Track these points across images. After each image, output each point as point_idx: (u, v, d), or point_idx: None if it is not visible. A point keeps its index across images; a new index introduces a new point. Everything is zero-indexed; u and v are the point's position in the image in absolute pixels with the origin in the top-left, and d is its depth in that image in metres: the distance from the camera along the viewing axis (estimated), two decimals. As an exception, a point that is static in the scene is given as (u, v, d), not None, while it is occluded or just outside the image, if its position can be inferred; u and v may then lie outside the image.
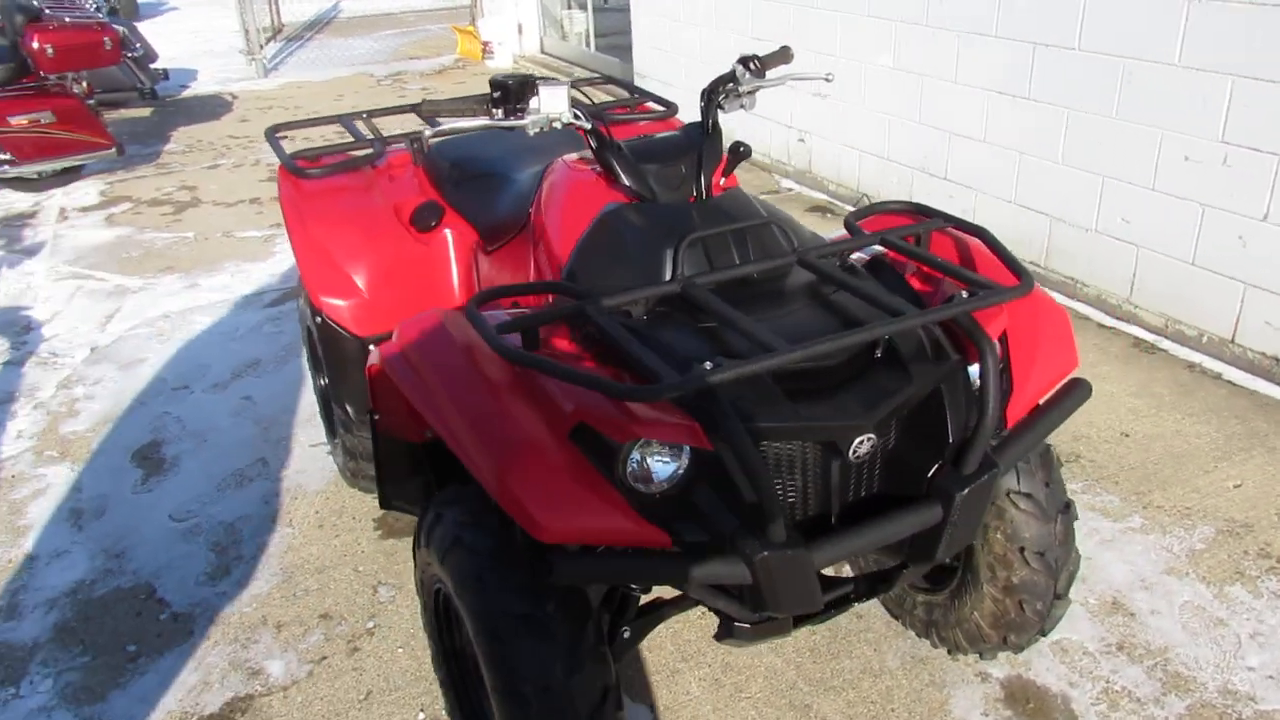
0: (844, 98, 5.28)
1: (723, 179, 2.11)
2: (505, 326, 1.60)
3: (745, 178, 5.99)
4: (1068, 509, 2.00)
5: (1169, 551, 2.63)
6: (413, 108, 2.43)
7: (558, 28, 9.79)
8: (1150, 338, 3.80)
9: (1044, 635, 2.10)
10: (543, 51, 10.10)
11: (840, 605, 1.90)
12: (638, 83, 7.23)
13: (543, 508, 1.45)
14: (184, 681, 2.36)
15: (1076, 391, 1.85)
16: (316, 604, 2.58)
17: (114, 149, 6.46)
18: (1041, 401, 1.82)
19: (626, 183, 1.92)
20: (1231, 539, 2.66)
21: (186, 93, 9.55)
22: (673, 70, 6.92)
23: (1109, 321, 3.94)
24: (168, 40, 11.66)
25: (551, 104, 1.87)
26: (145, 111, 8.74)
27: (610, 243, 1.86)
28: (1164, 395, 3.38)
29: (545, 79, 1.88)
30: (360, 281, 2.54)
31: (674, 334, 1.67)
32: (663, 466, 1.56)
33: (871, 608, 2.45)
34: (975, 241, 1.94)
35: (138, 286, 4.84)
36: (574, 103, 1.93)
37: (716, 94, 2.06)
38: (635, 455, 1.54)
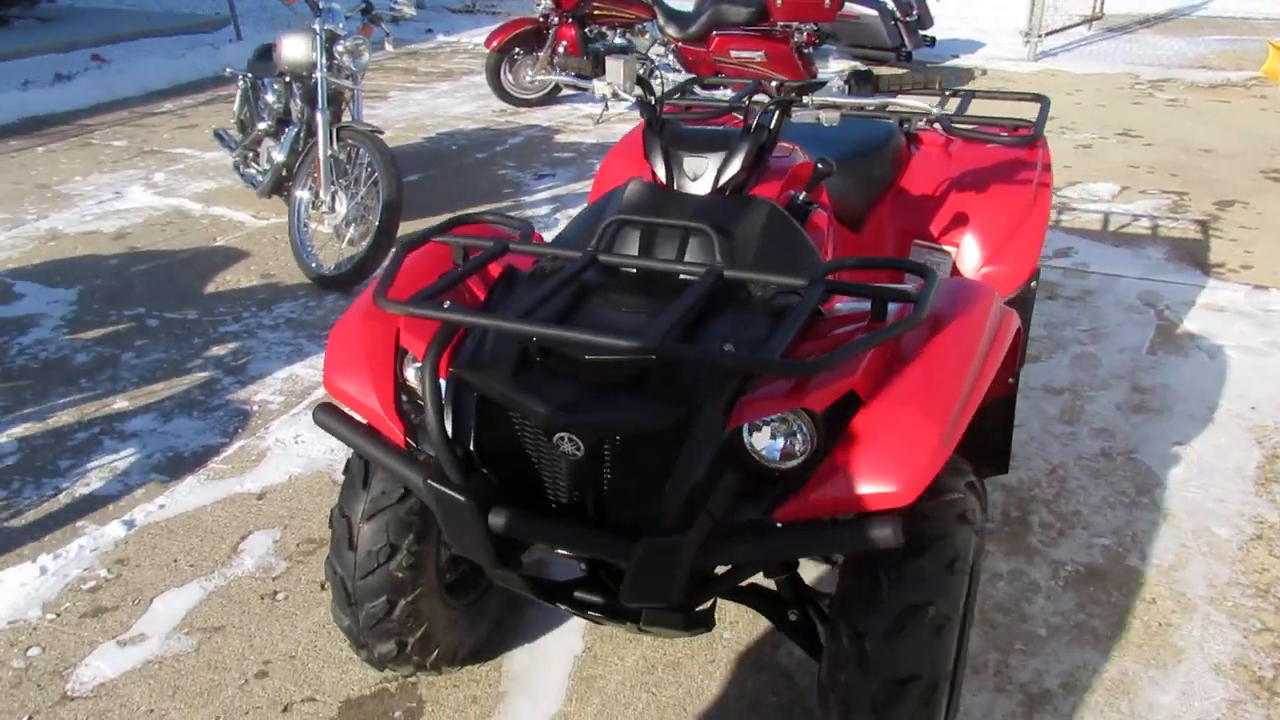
0: None
1: (803, 192, 2.03)
2: (438, 240, 1.97)
3: None
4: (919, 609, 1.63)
5: None
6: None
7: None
8: None
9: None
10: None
11: (604, 614, 1.87)
12: None
13: (332, 369, 1.86)
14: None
15: (878, 526, 1.49)
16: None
17: (803, 93, 7.37)
18: (836, 519, 1.53)
19: (652, 164, 2.02)
20: None
21: (949, 61, 10.09)
22: None
23: None
24: (975, 8, 12.27)
25: (613, 75, 2.04)
26: (890, 71, 9.55)
27: (596, 210, 2.02)
28: None
29: (619, 52, 2.05)
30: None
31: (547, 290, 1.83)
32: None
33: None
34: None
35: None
36: (641, 80, 2.06)
37: (785, 100, 1.97)
38: (417, 366, 1.81)
